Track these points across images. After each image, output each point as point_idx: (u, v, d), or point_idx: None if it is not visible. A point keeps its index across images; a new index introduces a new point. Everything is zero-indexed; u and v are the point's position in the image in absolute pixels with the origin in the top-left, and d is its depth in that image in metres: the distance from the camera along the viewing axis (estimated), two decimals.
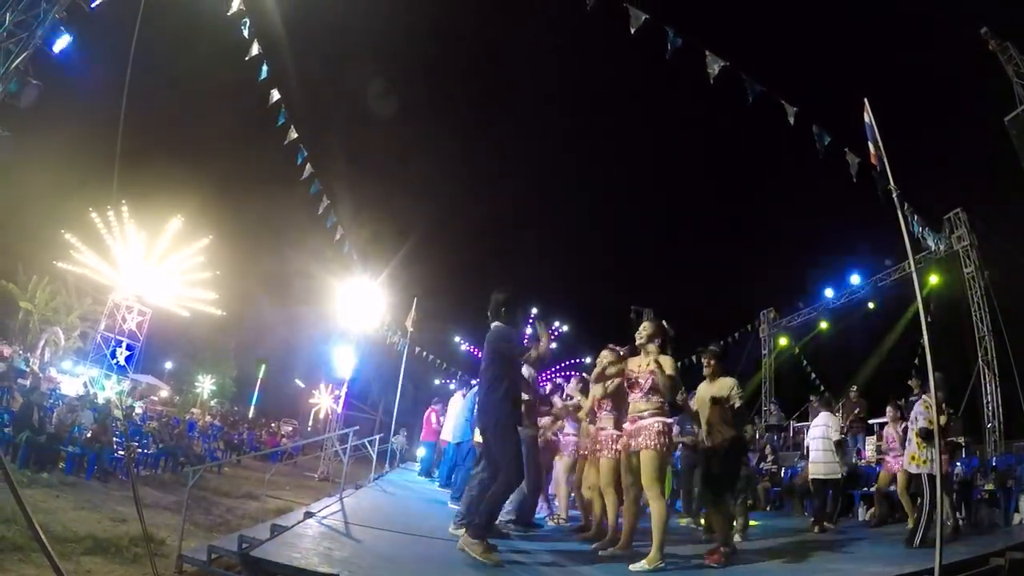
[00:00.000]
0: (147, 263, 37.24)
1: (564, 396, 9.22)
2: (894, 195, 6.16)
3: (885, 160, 6.17)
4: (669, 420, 5.62)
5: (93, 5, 13.50)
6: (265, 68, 13.47)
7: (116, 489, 12.25)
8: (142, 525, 4.38)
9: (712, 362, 6.53)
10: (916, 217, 14.99)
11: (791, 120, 10.09)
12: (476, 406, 5.86)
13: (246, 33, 12.89)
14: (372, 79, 39.82)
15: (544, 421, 8.54)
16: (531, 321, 6.22)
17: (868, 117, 6.28)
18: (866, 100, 6.28)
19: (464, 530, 5.26)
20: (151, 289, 37.38)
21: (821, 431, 9.53)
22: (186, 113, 41.69)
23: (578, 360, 42.38)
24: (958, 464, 10.68)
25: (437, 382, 29.72)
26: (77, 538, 7.63)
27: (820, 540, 8.21)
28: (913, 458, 7.91)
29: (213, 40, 18.92)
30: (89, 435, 13.85)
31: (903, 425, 10.02)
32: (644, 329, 5.91)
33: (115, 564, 7.12)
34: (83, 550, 7.26)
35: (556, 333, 40.20)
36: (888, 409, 10.40)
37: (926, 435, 7.58)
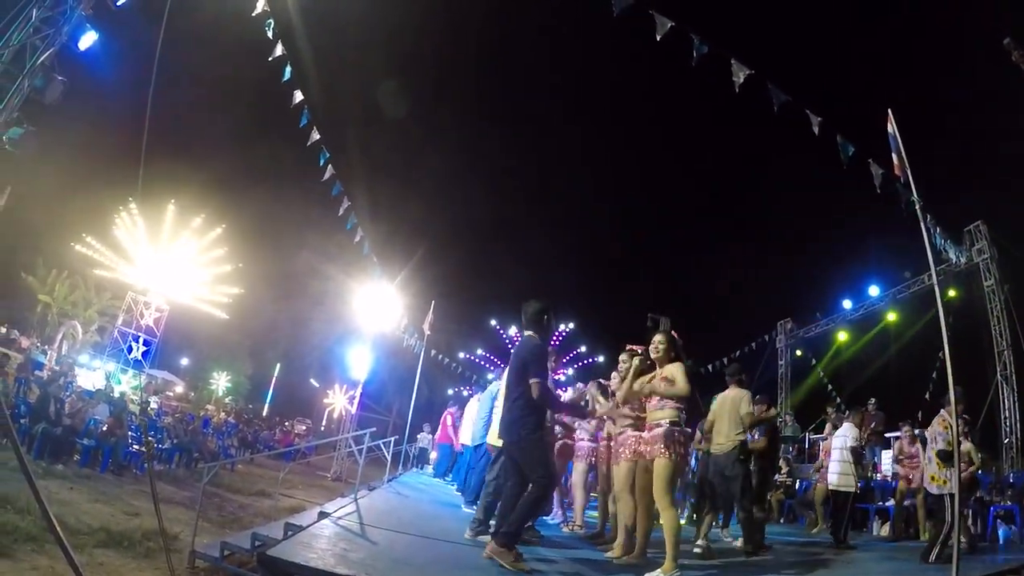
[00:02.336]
0: (166, 260, 37.45)
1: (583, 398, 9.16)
2: (917, 207, 6.10)
3: (909, 171, 6.11)
4: (686, 429, 5.58)
5: (119, 3, 13.61)
6: (289, 69, 13.55)
7: (130, 483, 12.31)
8: (159, 521, 4.39)
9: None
10: (938, 229, 14.88)
11: (815, 130, 10.04)
12: (501, 417, 5.72)
13: (270, 34, 12.96)
14: (392, 82, 39.99)
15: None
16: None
17: (892, 128, 6.22)
18: (890, 111, 6.21)
19: (489, 538, 5.20)
20: (170, 286, 37.58)
21: (840, 441, 9.44)
22: (209, 112, 42.05)
23: (591, 360, 42.54)
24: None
25: (451, 392, 29.67)
26: (91, 530, 7.67)
27: (834, 554, 8.11)
28: (933, 478, 7.81)
29: (237, 40, 19.07)
30: (104, 428, 13.92)
31: (916, 445, 9.99)
32: (660, 344, 5.84)
33: (128, 558, 7.14)
34: (96, 543, 7.29)
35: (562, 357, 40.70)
36: (904, 428, 10.36)
37: (946, 456, 7.49)
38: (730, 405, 7.33)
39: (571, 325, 43.04)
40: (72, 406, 14.27)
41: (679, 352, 5.78)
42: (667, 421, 5.47)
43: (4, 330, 30.36)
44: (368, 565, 4.53)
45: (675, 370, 5.62)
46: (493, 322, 44.48)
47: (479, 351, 43.32)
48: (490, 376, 21.07)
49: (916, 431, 10.26)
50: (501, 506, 5.53)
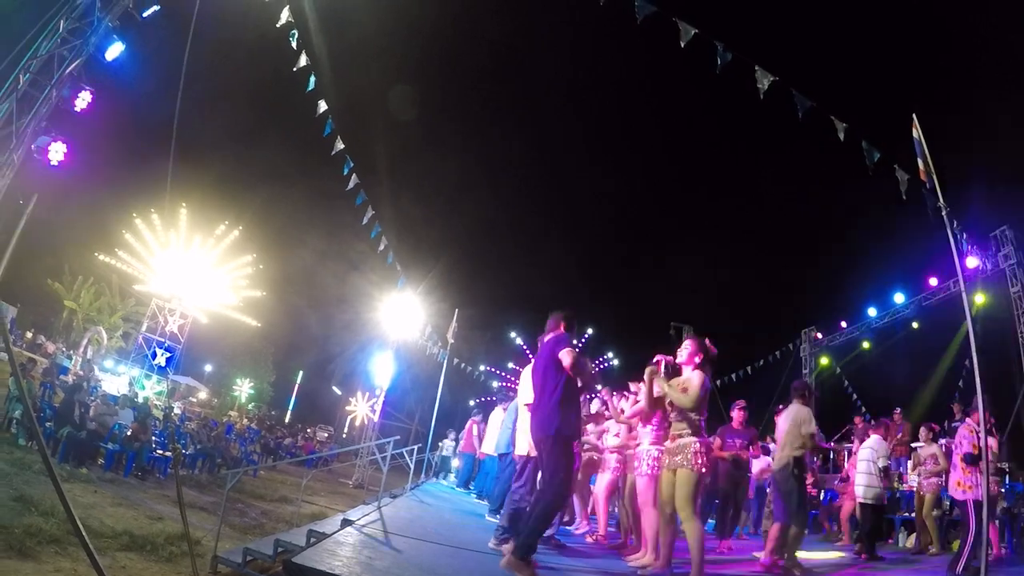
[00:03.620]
0: (190, 268, 37.78)
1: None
2: (943, 213, 6.02)
3: (935, 177, 6.03)
4: (708, 440, 5.52)
5: (145, 14, 13.78)
6: (313, 79, 13.62)
7: (153, 487, 12.39)
8: (185, 527, 4.40)
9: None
10: (964, 235, 14.67)
11: (840, 136, 9.93)
12: (531, 417, 5.70)
13: (294, 44, 13.05)
14: (417, 91, 40.25)
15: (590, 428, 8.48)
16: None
17: (917, 132, 6.16)
18: (914, 116, 6.14)
19: (505, 547, 5.18)
20: (194, 293, 37.89)
21: (868, 454, 9.30)
22: (233, 122, 42.46)
23: (607, 363, 42.46)
24: (1002, 490, 10.33)
25: (473, 403, 29.66)
26: (114, 534, 7.72)
27: (861, 565, 8.01)
28: (959, 484, 7.69)
29: (262, 51, 19.27)
30: (129, 433, 14.02)
31: (935, 447, 9.78)
32: (686, 347, 5.79)
33: (150, 562, 7.17)
34: (119, 546, 7.33)
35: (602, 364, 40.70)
36: (921, 431, 10.16)
37: (971, 460, 7.38)
38: (790, 422, 7.20)
39: (590, 331, 42.89)
40: (97, 411, 14.40)
41: (707, 360, 5.70)
42: (688, 433, 5.43)
43: (31, 335, 30.84)
44: (394, 574, 4.51)
45: (691, 378, 5.60)
46: (513, 334, 44.39)
47: (503, 360, 43.28)
48: (495, 383, 21.07)
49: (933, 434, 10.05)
50: (514, 511, 5.51)
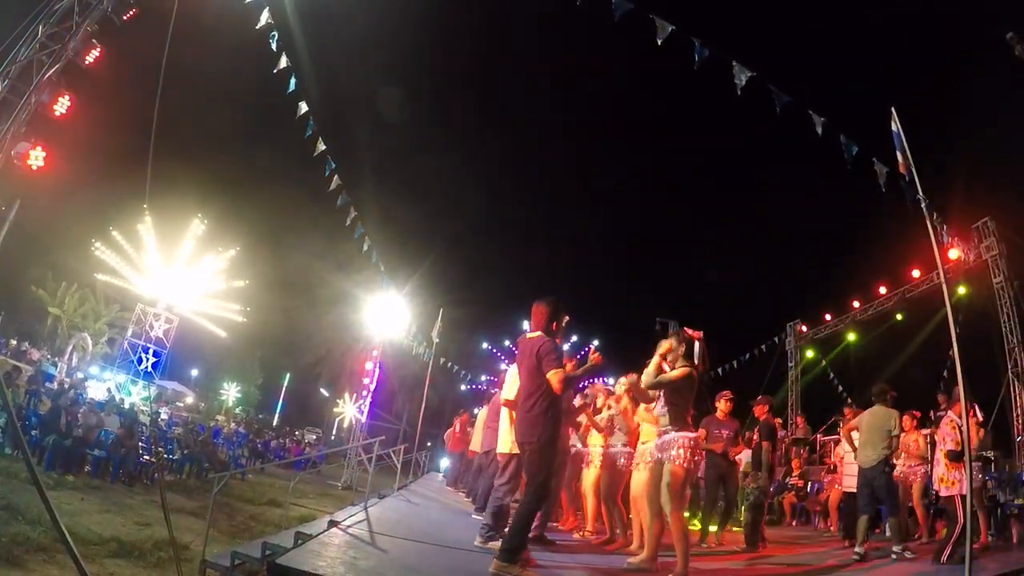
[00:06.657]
0: (175, 272, 37.63)
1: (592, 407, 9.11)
2: (923, 205, 6.07)
3: (913, 169, 6.09)
4: (693, 434, 5.55)
5: (124, 19, 13.72)
6: (293, 81, 13.60)
7: (140, 493, 12.35)
8: (170, 532, 4.41)
9: None
10: (945, 227, 14.80)
11: (819, 130, 9.99)
12: (517, 416, 5.68)
13: (274, 46, 13.03)
14: (397, 91, 40.13)
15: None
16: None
17: (895, 126, 6.20)
18: (892, 109, 6.19)
19: (492, 544, 5.19)
20: (179, 298, 37.74)
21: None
22: (215, 124, 42.20)
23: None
24: (988, 479, 10.40)
25: (476, 411, 29.68)
26: (101, 541, 7.70)
27: (847, 556, 8.07)
28: (942, 480, 7.76)
29: (242, 53, 19.19)
30: (115, 439, 13.96)
31: (921, 434, 9.85)
32: (662, 347, 5.83)
33: (139, 568, 7.17)
34: (107, 553, 7.32)
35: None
36: (905, 418, 10.23)
37: (955, 457, 7.46)
38: (880, 422, 7.71)
39: (568, 320, 42.57)
40: (84, 418, 14.33)
41: (689, 358, 5.73)
42: (674, 428, 5.47)
43: (15, 343, 30.58)
44: (378, 573, 4.53)
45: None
46: (506, 342, 44.17)
47: (490, 362, 43.06)
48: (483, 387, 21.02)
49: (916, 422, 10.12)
50: (497, 509, 5.52)
